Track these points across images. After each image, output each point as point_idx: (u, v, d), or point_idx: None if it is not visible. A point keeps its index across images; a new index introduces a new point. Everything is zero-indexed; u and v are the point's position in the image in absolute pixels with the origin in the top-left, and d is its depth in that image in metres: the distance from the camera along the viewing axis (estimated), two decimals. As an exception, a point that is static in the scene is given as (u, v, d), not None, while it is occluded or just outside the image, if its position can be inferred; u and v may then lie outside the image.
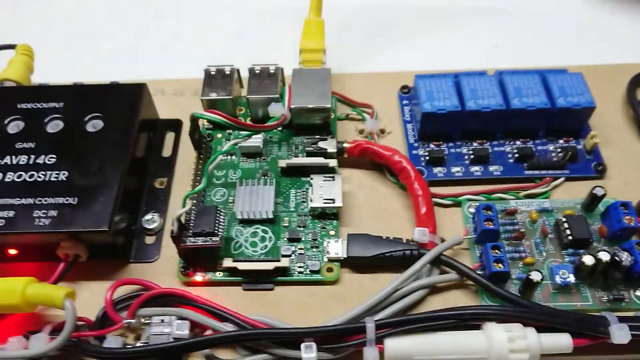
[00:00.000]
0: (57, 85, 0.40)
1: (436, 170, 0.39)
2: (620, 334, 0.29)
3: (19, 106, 0.38)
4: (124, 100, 0.38)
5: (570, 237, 0.34)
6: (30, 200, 0.34)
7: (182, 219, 0.34)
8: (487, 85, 0.39)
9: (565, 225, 0.34)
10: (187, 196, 0.34)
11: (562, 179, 0.38)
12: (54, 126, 0.37)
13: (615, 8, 0.52)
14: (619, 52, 0.48)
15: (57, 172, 0.35)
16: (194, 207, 0.35)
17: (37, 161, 0.36)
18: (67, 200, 0.34)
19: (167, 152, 0.41)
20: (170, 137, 0.42)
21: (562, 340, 0.30)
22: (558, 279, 0.32)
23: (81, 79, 0.44)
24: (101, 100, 0.38)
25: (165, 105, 0.43)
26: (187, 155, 0.41)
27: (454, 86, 0.39)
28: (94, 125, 0.37)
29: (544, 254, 0.35)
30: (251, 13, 0.53)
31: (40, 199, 0.34)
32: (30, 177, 0.35)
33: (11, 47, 0.45)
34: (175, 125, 0.42)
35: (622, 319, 0.30)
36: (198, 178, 0.38)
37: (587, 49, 0.48)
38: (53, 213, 0.33)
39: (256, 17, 0.53)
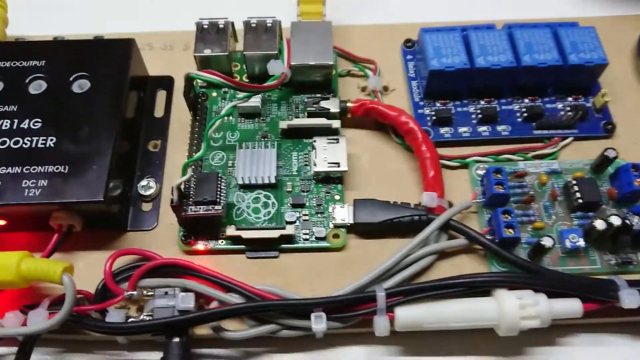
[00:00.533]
0: (37, 41, 0.37)
1: (443, 130, 0.37)
2: (630, 299, 0.29)
3: (-5, 64, 0.35)
4: (112, 57, 0.36)
5: (580, 200, 0.33)
6: (17, 169, 0.32)
7: (182, 187, 0.32)
8: (497, 40, 0.37)
9: (575, 188, 0.34)
10: (187, 164, 0.32)
11: (570, 139, 0.37)
12: (37, 87, 0.35)
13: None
14: (631, 2, 0.46)
15: (44, 137, 0.33)
16: (193, 175, 0.33)
17: (22, 126, 0.33)
18: (57, 168, 0.32)
19: (159, 112, 0.39)
20: (161, 95, 0.40)
21: (573, 306, 0.30)
22: (568, 244, 0.32)
23: (61, 32, 0.41)
24: (86, 57, 0.36)
25: (155, 60, 0.40)
26: (180, 115, 0.38)
27: (462, 41, 0.37)
28: (80, 85, 0.35)
29: (553, 217, 0.34)
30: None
31: (28, 167, 0.32)
32: (15, 144, 0.32)
33: (-19, -4, 0.41)
34: (166, 82, 0.40)
35: (630, 282, 0.30)
36: (195, 142, 0.36)
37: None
38: (43, 183, 0.31)
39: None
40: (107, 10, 0.46)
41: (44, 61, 0.35)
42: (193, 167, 0.34)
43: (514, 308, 0.29)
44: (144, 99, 0.39)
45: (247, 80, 0.39)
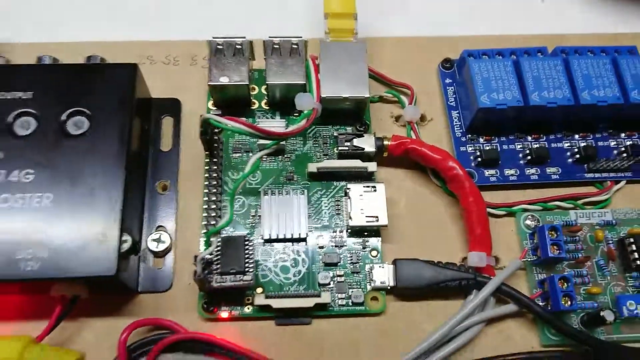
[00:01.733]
0: (22, 66, 0.31)
1: (488, 173, 0.34)
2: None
3: (-29, 95, 0.30)
4: (113, 88, 0.30)
5: (638, 262, 0.31)
6: (8, 237, 0.27)
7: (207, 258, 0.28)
8: (552, 71, 0.33)
9: (633, 247, 0.31)
10: (211, 233, 0.28)
11: (623, 183, 0.34)
12: (24, 125, 0.29)
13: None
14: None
15: (39, 194, 0.28)
16: (218, 242, 0.28)
17: (10, 179, 0.28)
18: (57, 236, 0.27)
19: (166, 145, 0.34)
20: (167, 123, 0.34)
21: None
22: (625, 311, 0.30)
23: (38, 38, 0.35)
24: (82, 88, 0.30)
25: (156, 76, 0.35)
26: (191, 147, 0.34)
27: (514, 71, 0.33)
28: (76, 123, 0.30)
29: (607, 277, 0.31)
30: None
31: (21, 237, 0.27)
32: (4, 203, 0.27)
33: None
34: (172, 107, 0.35)
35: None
36: (215, 187, 0.31)
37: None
38: (43, 255, 0.27)
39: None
40: (98, 14, 0.39)
41: (31, 92, 0.30)
42: (216, 236, 0.29)
43: (575, 394, 0.27)
44: (147, 128, 0.34)
45: (266, 107, 0.34)
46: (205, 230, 0.31)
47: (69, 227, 0.27)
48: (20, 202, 0.27)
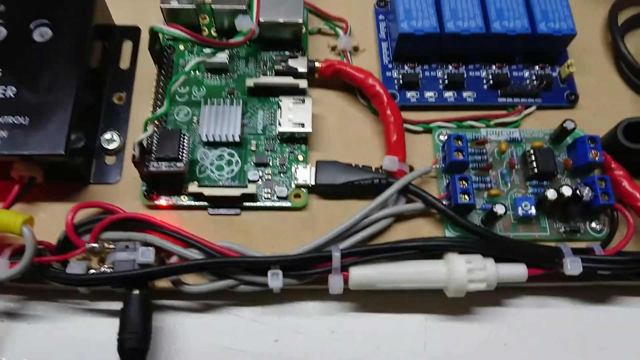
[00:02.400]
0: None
1: (409, 94, 0.38)
2: (573, 266, 0.31)
3: (-52, 6, 0.34)
4: (76, 4, 0.35)
5: (535, 170, 0.34)
6: (-25, 118, 0.31)
7: (144, 143, 0.32)
8: (468, 4, 0.37)
9: (533, 157, 0.35)
10: (149, 120, 0.32)
11: (534, 108, 0.38)
12: (-4, 33, 0.34)
13: None
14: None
15: (4, 87, 0.32)
16: (156, 130, 0.33)
17: (-19, 74, 0.32)
18: (17, 119, 0.31)
19: (125, 63, 0.38)
20: (127, 46, 0.39)
21: (518, 271, 0.32)
22: (520, 211, 0.33)
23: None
24: (48, 3, 0.35)
25: (121, 8, 0.39)
26: (147, 67, 0.38)
27: (434, 4, 0.37)
28: (41, 33, 0.34)
29: (509, 185, 0.35)
30: None
31: (-13, 118, 0.31)
32: (-27, 92, 0.32)
33: None
34: (133, 33, 0.39)
35: (575, 251, 0.32)
36: (160, 96, 0.36)
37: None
38: (3, 134, 0.31)
39: None
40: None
41: (2, 6, 0.34)
42: (156, 122, 0.34)
43: (462, 271, 0.31)
44: (109, 49, 0.38)
45: (215, 34, 0.39)
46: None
47: (28, 114, 0.31)
48: (-13, 92, 0.32)
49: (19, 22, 0.34)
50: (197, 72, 0.37)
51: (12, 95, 0.32)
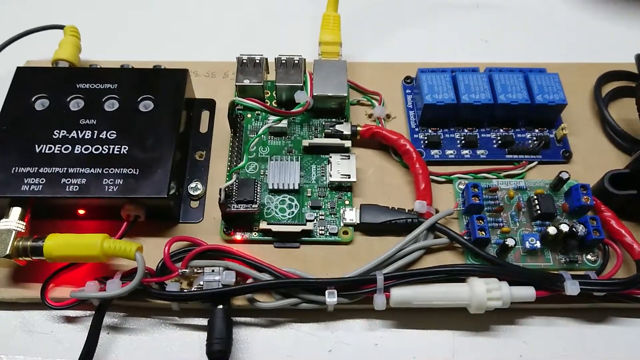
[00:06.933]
0: (111, 69, 0.46)
1: (433, 152, 0.46)
2: (572, 288, 0.38)
3: (78, 86, 0.44)
4: (171, 84, 0.45)
5: (539, 212, 0.42)
6: (99, 170, 0.40)
7: (227, 190, 0.41)
8: (479, 81, 0.46)
9: (536, 201, 0.43)
10: (233, 171, 0.41)
11: (535, 163, 0.46)
12: (110, 105, 0.44)
13: (593, 11, 0.59)
14: (592, 51, 0.55)
15: (119, 146, 0.41)
16: (236, 180, 0.42)
17: (100, 136, 0.42)
18: (130, 170, 0.40)
19: (203, 128, 0.48)
20: (205, 114, 0.48)
21: (528, 292, 0.39)
22: (527, 245, 0.41)
23: (122, 57, 0.50)
24: (150, 83, 0.45)
25: (199, 85, 0.49)
26: (221, 131, 0.47)
27: (451, 81, 0.46)
28: (145, 105, 0.44)
29: (518, 224, 0.43)
30: (274, 5, 0.59)
31: (107, 169, 0.40)
32: (96, 150, 0.41)
33: (59, 27, 0.51)
34: (209, 104, 0.49)
35: (574, 277, 0.39)
36: (236, 153, 0.45)
37: (565, 46, 0.56)
38: (119, 181, 0.40)
39: (277, 9, 0.59)
40: (161, 41, 0.55)
41: (116, 85, 0.44)
42: (236, 174, 0.42)
43: (482, 291, 0.38)
44: (192, 117, 0.48)
45: (276, 105, 0.48)
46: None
47: (138, 167, 0.40)
48: (107, 150, 0.41)
49: (129, 97, 0.44)
50: (263, 135, 0.47)
51: (125, 152, 0.41)
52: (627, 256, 0.41)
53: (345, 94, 0.46)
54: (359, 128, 0.46)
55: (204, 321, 0.40)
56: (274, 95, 0.48)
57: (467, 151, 0.46)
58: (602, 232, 0.41)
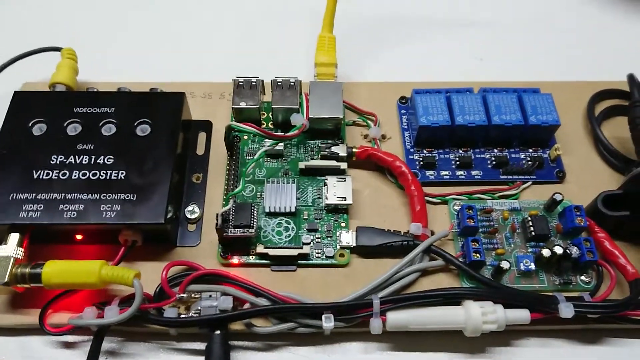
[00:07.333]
0: (108, 92, 0.46)
1: (428, 173, 0.47)
2: (566, 310, 0.38)
3: (75, 110, 0.44)
4: (168, 107, 0.45)
5: (533, 233, 0.43)
6: (96, 196, 0.40)
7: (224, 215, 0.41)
8: (473, 102, 0.47)
9: (530, 223, 0.43)
10: (230, 196, 0.41)
11: (529, 183, 0.47)
12: (108, 129, 0.44)
13: (586, 30, 0.60)
14: (585, 68, 0.56)
15: (116, 171, 0.42)
16: (233, 204, 0.42)
17: (98, 161, 0.42)
18: (127, 196, 0.41)
19: (200, 150, 0.48)
20: (202, 136, 0.49)
21: (523, 314, 0.39)
22: (522, 267, 0.41)
23: (120, 79, 0.50)
24: (147, 106, 0.45)
25: (195, 106, 0.50)
26: (217, 153, 0.47)
27: (446, 102, 0.47)
28: (142, 129, 0.44)
29: (512, 245, 0.43)
30: (269, 26, 0.59)
31: (104, 194, 0.41)
32: (93, 176, 0.41)
33: (56, 49, 0.51)
34: (206, 126, 0.49)
35: (568, 299, 0.39)
36: (232, 176, 0.45)
37: (559, 64, 0.56)
38: (117, 207, 0.40)
39: (273, 28, 0.59)
40: (157, 61, 0.55)
41: (113, 108, 0.45)
42: (233, 198, 0.43)
43: (477, 314, 0.38)
44: (189, 139, 0.48)
45: (272, 127, 0.49)
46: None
47: (135, 192, 0.41)
48: (104, 175, 0.41)
49: (126, 121, 0.44)
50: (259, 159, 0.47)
51: (122, 177, 0.41)
52: (621, 277, 0.42)
53: (341, 116, 0.46)
54: (354, 149, 0.46)
55: (202, 345, 0.40)
56: (270, 116, 0.49)
57: (462, 172, 0.47)
58: (596, 254, 0.41)
